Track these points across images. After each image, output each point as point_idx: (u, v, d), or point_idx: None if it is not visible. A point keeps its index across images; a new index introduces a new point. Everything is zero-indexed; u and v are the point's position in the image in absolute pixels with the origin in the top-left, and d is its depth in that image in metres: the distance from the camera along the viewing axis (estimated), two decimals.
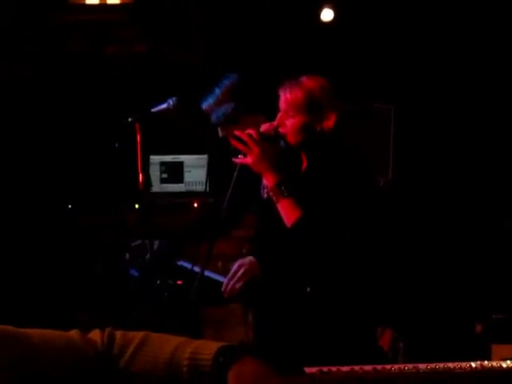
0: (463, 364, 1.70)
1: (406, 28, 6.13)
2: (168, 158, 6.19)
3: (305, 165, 3.04)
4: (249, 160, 2.89)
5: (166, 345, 1.57)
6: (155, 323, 4.12)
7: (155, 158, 6.13)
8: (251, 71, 5.38)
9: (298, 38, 6.17)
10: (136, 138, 4.02)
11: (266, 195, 3.05)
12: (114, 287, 5.14)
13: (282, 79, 2.99)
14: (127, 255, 5.03)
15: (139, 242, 4.83)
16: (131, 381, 1.56)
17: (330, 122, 2.93)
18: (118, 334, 1.61)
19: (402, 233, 5.13)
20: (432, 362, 1.71)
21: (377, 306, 3.10)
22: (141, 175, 4.07)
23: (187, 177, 6.15)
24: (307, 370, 1.66)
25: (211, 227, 3.08)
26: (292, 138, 2.93)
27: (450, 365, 1.70)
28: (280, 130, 2.93)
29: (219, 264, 3.88)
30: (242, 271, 2.99)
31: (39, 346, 1.50)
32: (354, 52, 6.17)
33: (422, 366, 1.69)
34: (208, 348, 1.53)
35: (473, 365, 1.70)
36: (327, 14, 6.26)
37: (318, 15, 6.26)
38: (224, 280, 3.04)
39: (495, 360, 1.74)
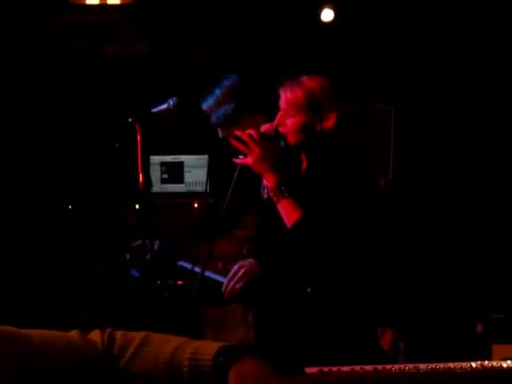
0: (463, 364, 1.70)
1: (407, 28, 6.14)
2: (168, 159, 6.18)
3: (305, 165, 3.04)
4: (249, 160, 2.89)
5: (166, 345, 1.57)
6: (155, 323, 4.12)
7: (155, 159, 6.13)
8: (251, 71, 5.38)
9: (299, 38, 6.17)
10: (136, 138, 4.02)
11: (266, 195, 3.05)
12: (115, 287, 5.14)
13: (283, 79, 2.99)
14: (127, 255, 5.03)
15: (139, 242, 4.83)
16: (131, 381, 1.56)
17: (330, 122, 2.93)
18: (118, 334, 1.62)
19: (402, 233, 5.13)
20: (432, 362, 1.71)
21: (377, 306, 3.10)
22: (141, 175, 4.06)
23: (187, 177, 6.15)
24: (308, 370, 1.66)
25: (211, 227, 3.08)
26: (292, 138, 2.93)
27: (451, 365, 1.70)
28: (280, 129, 2.93)
29: (219, 264, 3.88)
30: (242, 271, 2.99)
31: (39, 347, 1.50)
32: (354, 52, 6.17)
33: (422, 366, 1.69)
34: (208, 348, 1.53)
35: (473, 365, 1.70)
36: (327, 14, 6.26)
37: (318, 15, 6.26)
38: (224, 280, 3.04)
39: (495, 360, 1.74)
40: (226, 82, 3.23)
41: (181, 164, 6.16)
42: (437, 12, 6.07)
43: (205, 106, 3.20)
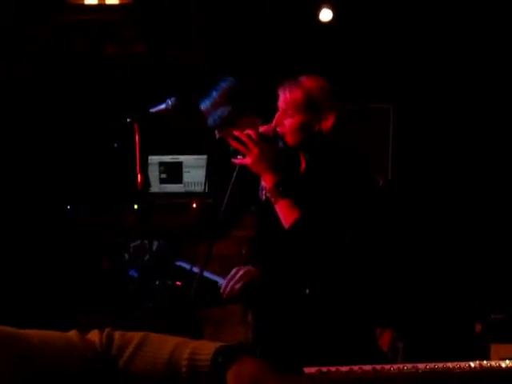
0: (462, 364, 1.70)
1: (405, 28, 6.14)
2: (167, 159, 6.18)
3: (303, 165, 3.04)
4: (248, 160, 2.89)
5: (165, 345, 1.57)
6: (154, 324, 4.12)
7: (154, 159, 6.12)
8: (250, 72, 5.38)
9: (297, 38, 6.17)
10: (135, 138, 4.02)
11: (264, 197, 3.05)
12: (114, 287, 5.14)
13: (282, 79, 2.99)
14: (126, 256, 5.03)
15: (138, 242, 4.82)
16: (130, 381, 1.56)
17: (328, 123, 2.93)
18: (117, 334, 1.61)
19: (401, 233, 5.13)
20: (431, 361, 1.71)
21: (376, 306, 3.09)
22: (139, 175, 4.06)
23: (186, 177, 6.15)
24: (306, 370, 1.66)
25: (210, 228, 3.07)
26: (290, 138, 2.93)
27: (449, 365, 1.70)
28: (278, 129, 2.93)
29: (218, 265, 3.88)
30: (241, 273, 2.99)
31: (38, 347, 1.50)
32: (352, 52, 6.17)
33: (421, 366, 1.69)
34: (206, 348, 1.53)
35: (472, 364, 1.71)
36: (326, 14, 6.26)
37: (317, 15, 6.26)
38: (223, 281, 3.04)
39: (494, 360, 1.74)
40: (223, 85, 3.23)
41: (179, 164, 6.16)
42: (435, 11, 6.08)
43: (202, 108, 3.21)
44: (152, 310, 4.31)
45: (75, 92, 6.31)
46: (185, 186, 6.16)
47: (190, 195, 5.99)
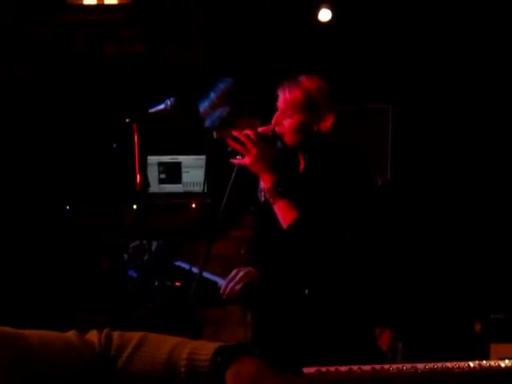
0: (462, 364, 1.70)
1: (404, 27, 6.14)
2: (166, 159, 6.18)
3: (302, 166, 3.04)
4: (246, 161, 2.89)
5: (164, 345, 1.57)
6: (153, 324, 4.12)
7: (153, 159, 6.12)
8: (249, 72, 5.38)
9: (296, 38, 6.17)
10: (134, 139, 4.01)
11: (263, 198, 3.05)
12: (114, 287, 5.14)
13: (281, 79, 2.99)
14: (125, 256, 5.03)
15: (137, 242, 4.82)
16: (129, 381, 1.55)
17: (327, 123, 2.93)
18: (116, 334, 1.61)
19: (400, 232, 5.13)
20: (431, 361, 1.71)
21: (375, 306, 3.09)
22: (138, 176, 4.05)
23: (185, 177, 6.15)
24: (306, 370, 1.66)
25: (209, 228, 3.07)
26: (289, 138, 2.93)
27: (449, 364, 1.70)
28: (277, 129, 2.93)
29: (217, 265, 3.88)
30: (241, 274, 2.98)
31: (38, 347, 1.50)
32: (351, 52, 6.17)
33: (420, 366, 1.68)
34: (205, 348, 1.53)
35: (471, 364, 1.70)
36: (325, 14, 6.26)
37: (316, 15, 6.26)
38: (222, 281, 3.04)
39: (494, 359, 1.74)
40: (221, 86, 3.23)
41: (178, 164, 6.16)
42: (434, 11, 6.08)
43: (200, 109, 3.21)
44: (151, 311, 4.30)
45: (74, 92, 6.31)
46: (184, 186, 6.16)
47: (189, 195, 5.99)
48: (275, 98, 2.97)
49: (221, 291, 3.01)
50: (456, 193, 6.00)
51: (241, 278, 2.97)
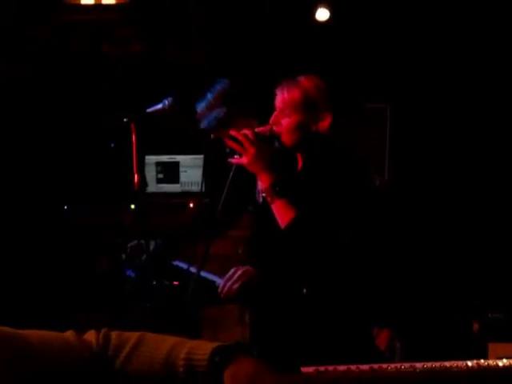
0: (460, 363, 1.70)
1: (402, 27, 6.14)
2: (164, 158, 6.18)
3: (300, 165, 3.04)
4: (244, 160, 2.89)
5: (162, 345, 1.57)
6: (152, 324, 4.12)
7: (151, 158, 6.12)
8: (247, 71, 5.38)
9: (294, 38, 6.17)
10: (131, 138, 4.01)
11: (261, 198, 3.05)
12: (112, 287, 5.14)
13: (279, 79, 2.99)
14: (123, 256, 5.02)
15: (135, 242, 4.81)
16: (127, 381, 1.56)
17: (325, 123, 2.93)
18: (114, 334, 1.61)
19: (398, 232, 5.13)
20: (429, 361, 1.71)
21: (374, 305, 3.09)
22: (136, 175, 4.05)
23: (183, 177, 6.15)
24: (304, 369, 1.66)
25: (207, 227, 3.07)
26: (287, 138, 2.93)
27: (447, 364, 1.70)
28: (275, 129, 2.93)
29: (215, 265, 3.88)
30: (239, 273, 2.98)
31: (36, 347, 1.50)
32: (349, 51, 6.17)
33: (418, 365, 1.68)
34: (203, 348, 1.53)
35: (469, 364, 1.70)
36: (323, 14, 6.26)
37: (314, 15, 6.26)
38: (220, 280, 3.04)
39: (492, 359, 1.74)
40: (218, 87, 3.23)
41: (176, 164, 6.16)
42: (432, 10, 6.08)
43: (197, 110, 3.21)
44: (149, 310, 4.30)
45: (72, 91, 6.31)
46: (182, 186, 6.16)
47: (187, 195, 5.99)
48: (273, 97, 2.97)
49: (219, 290, 3.01)
50: (454, 192, 6.00)
51: (239, 277, 2.97)
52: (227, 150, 2.94)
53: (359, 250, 2.90)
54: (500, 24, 5.95)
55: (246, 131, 2.90)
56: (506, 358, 1.73)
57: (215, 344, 1.54)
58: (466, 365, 1.70)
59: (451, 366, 1.69)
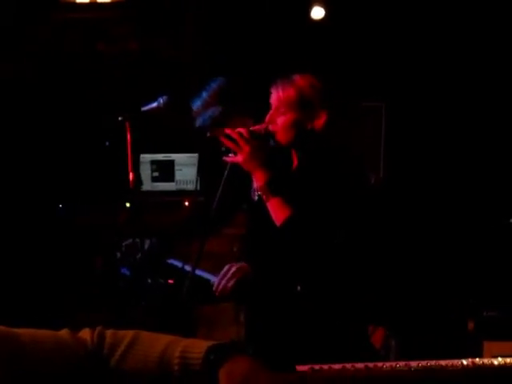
0: (455, 361, 1.70)
1: (397, 25, 6.14)
2: (159, 157, 6.18)
3: (295, 163, 3.04)
4: (239, 158, 2.89)
5: (157, 343, 1.57)
6: (147, 322, 4.12)
7: (146, 157, 6.12)
8: (242, 70, 5.38)
9: (289, 37, 6.17)
10: (126, 137, 4.01)
11: (256, 197, 3.05)
12: (107, 286, 5.14)
13: (274, 77, 2.99)
14: (118, 254, 5.02)
15: (130, 240, 4.82)
16: (122, 380, 1.55)
17: (320, 121, 2.94)
18: (108, 332, 1.61)
19: (393, 231, 5.13)
20: (424, 359, 1.71)
21: (369, 304, 3.09)
22: (131, 174, 4.06)
23: (178, 175, 6.14)
24: (299, 367, 1.65)
25: (202, 225, 3.07)
26: (282, 136, 2.93)
27: (442, 362, 1.69)
28: (270, 127, 2.93)
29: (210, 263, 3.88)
30: (233, 270, 2.98)
31: (29, 346, 1.49)
32: (345, 50, 6.17)
33: (413, 364, 1.68)
34: (198, 346, 1.53)
35: (464, 362, 1.70)
36: (318, 12, 6.26)
37: (309, 13, 6.26)
38: (215, 279, 3.04)
39: (487, 357, 1.74)
40: (213, 85, 3.23)
41: (171, 162, 6.15)
42: (426, 9, 6.08)
43: (193, 109, 3.20)
44: (144, 309, 4.30)
45: (67, 90, 6.30)
46: (177, 184, 6.15)
47: (182, 193, 5.98)
48: (269, 96, 2.97)
49: (213, 288, 3.01)
50: (449, 191, 6.01)
51: (233, 274, 2.97)
52: (223, 149, 2.94)
53: (355, 248, 2.90)
54: (495, 20, 5.96)
55: (241, 129, 2.90)
56: (501, 356, 1.73)
57: (210, 342, 1.54)
58: (461, 363, 1.70)
59: (446, 365, 1.69)
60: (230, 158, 2.93)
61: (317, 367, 1.66)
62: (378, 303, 3.43)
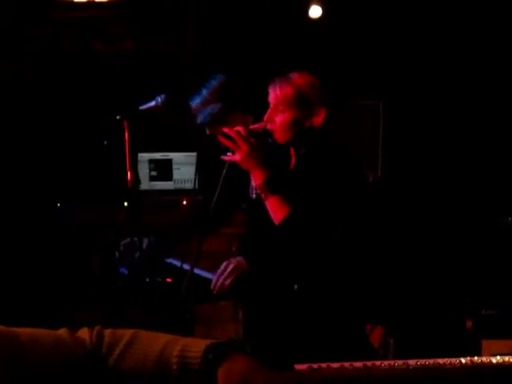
0: (453, 360, 1.70)
1: (394, 23, 6.15)
2: (157, 156, 6.17)
3: (294, 162, 3.04)
4: (237, 157, 2.89)
5: (155, 343, 1.57)
6: (145, 321, 4.11)
7: (144, 156, 6.11)
8: (240, 68, 5.37)
9: (287, 35, 6.17)
10: (124, 136, 4.00)
11: (254, 196, 3.05)
12: (105, 285, 5.14)
13: (272, 76, 2.99)
14: (116, 253, 5.02)
15: (128, 239, 4.81)
16: (121, 379, 1.55)
17: (319, 118, 2.94)
18: (107, 332, 1.61)
19: (391, 229, 5.13)
20: (422, 358, 1.71)
21: (367, 302, 3.09)
22: (129, 173, 4.05)
23: (176, 174, 6.14)
24: (297, 366, 1.65)
25: (200, 225, 3.07)
26: (281, 134, 2.93)
27: (440, 361, 1.69)
28: (269, 126, 2.93)
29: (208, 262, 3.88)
30: (231, 267, 2.99)
31: (28, 345, 1.49)
32: (342, 48, 6.17)
33: (411, 362, 1.68)
34: (197, 345, 1.53)
35: (463, 361, 1.70)
36: (315, 11, 6.26)
37: (307, 12, 6.26)
38: (213, 277, 3.04)
39: (485, 356, 1.73)
40: (213, 82, 3.22)
41: (169, 161, 6.15)
42: (424, 7, 6.08)
43: (192, 106, 3.20)
44: (143, 308, 4.30)
45: (64, 89, 6.30)
46: (175, 183, 6.15)
47: (180, 192, 5.98)
48: (267, 94, 2.98)
49: (211, 286, 3.01)
50: (447, 189, 6.01)
51: (231, 272, 2.98)
52: (222, 147, 2.94)
53: (352, 246, 2.90)
54: (493, 18, 5.96)
55: (239, 128, 2.90)
56: (500, 354, 1.72)
57: (209, 341, 1.54)
58: (460, 362, 1.70)
59: (445, 363, 1.69)
60: (228, 156, 2.93)
61: (315, 366, 1.65)
62: (376, 302, 3.43)
